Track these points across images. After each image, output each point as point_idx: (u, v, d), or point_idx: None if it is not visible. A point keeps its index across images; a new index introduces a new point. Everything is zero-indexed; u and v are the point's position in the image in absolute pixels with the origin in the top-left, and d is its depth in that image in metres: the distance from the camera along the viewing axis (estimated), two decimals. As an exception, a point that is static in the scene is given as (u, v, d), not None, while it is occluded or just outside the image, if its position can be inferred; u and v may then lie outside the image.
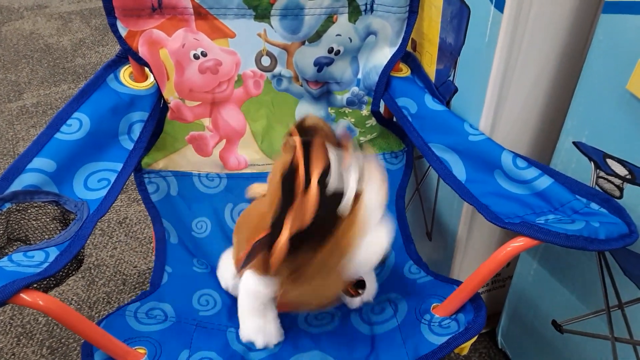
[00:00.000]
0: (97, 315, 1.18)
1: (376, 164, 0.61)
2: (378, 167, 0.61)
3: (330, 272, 0.61)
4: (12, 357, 1.10)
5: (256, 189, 0.81)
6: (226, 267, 0.82)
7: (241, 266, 0.62)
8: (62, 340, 1.13)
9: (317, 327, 0.77)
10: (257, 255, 0.59)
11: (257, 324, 0.73)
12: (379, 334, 0.73)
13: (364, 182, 0.58)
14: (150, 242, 1.35)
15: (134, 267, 1.28)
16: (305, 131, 0.59)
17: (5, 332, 1.15)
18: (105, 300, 1.21)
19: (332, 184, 0.56)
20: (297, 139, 0.57)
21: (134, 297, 0.79)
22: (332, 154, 0.57)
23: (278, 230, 0.55)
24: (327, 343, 0.73)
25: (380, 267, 0.84)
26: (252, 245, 0.59)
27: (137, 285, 1.25)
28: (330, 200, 0.55)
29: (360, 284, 0.77)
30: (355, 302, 0.78)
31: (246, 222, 0.78)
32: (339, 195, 0.56)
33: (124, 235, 1.37)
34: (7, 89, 1.92)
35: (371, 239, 0.60)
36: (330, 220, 0.56)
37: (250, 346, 0.73)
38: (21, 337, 1.14)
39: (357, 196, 0.57)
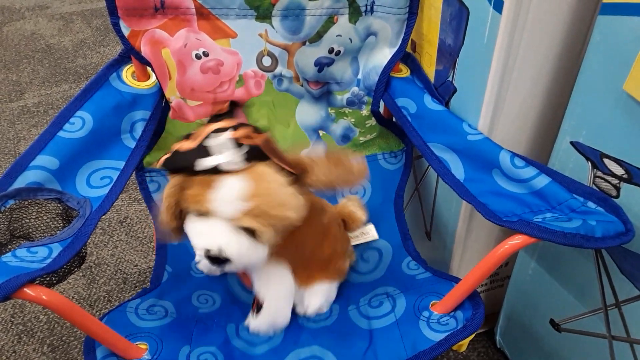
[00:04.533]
0: (97, 313, 1.18)
1: (271, 174, 0.62)
2: (272, 179, 0.62)
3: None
4: (13, 354, 1.11)
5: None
6: None
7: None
8: (63, 338, 1.14)
9: (316, 322, 0.77)
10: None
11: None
12: (377, 328, 0.74)
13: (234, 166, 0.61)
14: (151, 242, 1.35)
15: (135, 266, 1.29)
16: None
17: (7, 330, 1.15)
18: (106, 298, 1.22)
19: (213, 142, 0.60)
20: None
21: (134, 295, 0.80)
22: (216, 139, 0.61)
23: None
24: (326, 338, 0.74)
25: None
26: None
27: (137, 284, 1.25)
28: (201, 150, 0.60)
29: (258, 305, 0.75)
30: (248, 319, 0.76)
31: None
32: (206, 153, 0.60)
33: (124, 235, 1.37)
34: (8, 89, 1.93)
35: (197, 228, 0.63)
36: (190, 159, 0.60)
37: (251, 341, 0.73)
38: (22, 335, 1.15)
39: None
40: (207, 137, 0.60)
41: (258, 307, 0.74)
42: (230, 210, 0.59)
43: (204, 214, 0.61)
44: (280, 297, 0.75)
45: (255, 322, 0.75)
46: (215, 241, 0.60)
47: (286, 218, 0.61)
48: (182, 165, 0.61)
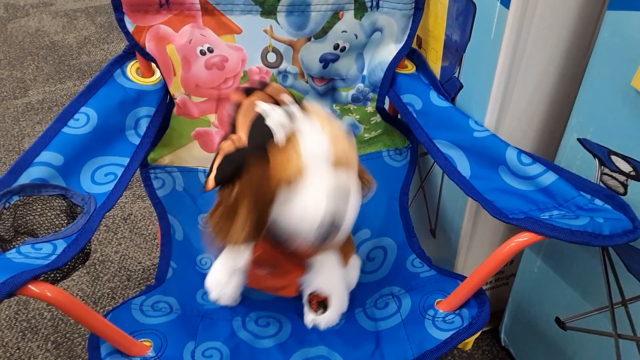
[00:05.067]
0: (101, 310, 1.18)
1: (326, 113, 0.61)
2: (327, 114, 0.61)
3: (264, 206, 0.59)
4: (17, 351, 1.11)
5: None
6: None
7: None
8: (67, 335, 1.14)
9: None
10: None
11: (220, 279, 0.73)
12: (384, 329, 0.74)
13: (302, 123, 0.58)
14: (155, 239, 1.35)
15: (139, 263, 1.29)
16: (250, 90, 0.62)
17: (11, 327, 1.16)
18: (110, 295, 1.22)
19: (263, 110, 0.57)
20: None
21: (138, 292, 0.80)
22: (261, 107, 0.58)
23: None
24: (333, 339, 0.73)
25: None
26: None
27: (141, 281, 1.25)
28: (256, 133, 0.57)
29: (323, 305, 0.74)
30: (308, 318, 0.74)
31: None
32: (267, 131, 0.56)
33: (128, 232, 1.37)
34: (12, 86, 1.93)
35: (308, 197, 0.57)
36: (259, 147, 0.57)
37: (257, 334, 0.73)
38: (26, 332, 1.15)
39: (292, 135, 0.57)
40: (254, 118, 0.58)
41: (322, 304, 0.72)
42: (324, 162, 0.56)
43: (294, 181, 0.56)
44: (343, 285, 0.74)
45: (327, 318, 0.73)
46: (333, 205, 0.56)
47: (355, 161, 0.60)
48: (251, 154, 0.56)
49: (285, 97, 0.62)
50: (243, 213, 0.59)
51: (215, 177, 0.59)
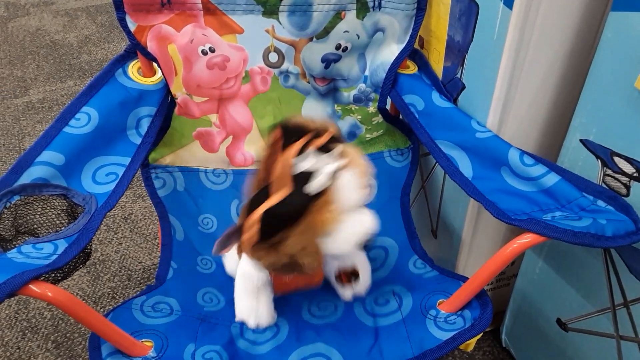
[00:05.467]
0: (102, 310, 1.18)
1: (358, 153, 0.63)
2: (360, 155, 0.63)
3: (307, 250, 0.61)
4: (17, 350, 1.11)
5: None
6: (231, 255, 0.83)
7: (216, 249, 0.64)
8: (67, 334, 1.14)
9: (320, 318, 0.77)
10: (232, 238, 0.63)
11: (249, 305, 0.75)
12: (383, 326, 0.74)
13: (342, 165, 0.60)
14: (155, 238, 1.35)
15: (139, 263, 1.29)
16: (289, 130, 0.62)
17: (11, 327, 1.15)
18: (110, 295, 1.21)
19: (303, 166, 0.59)
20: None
21: (138, 292, 0.80)
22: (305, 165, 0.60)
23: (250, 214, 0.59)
24: (331, 335, 0.73)
25: (368, 250, 0.85)
26: (227, 231, 0.62)
27: (142, 281, 1.25)
28: (300, 180, 0.58)
29: (354, 274, 0.77)
30: (346, 292, 0.78)
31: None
32: (308, 175, 0.58)
33: (129, 231, 1.37)
34: (13, 85, 1.93)
35: (352, 218, 0.62)
36: (300, 198, 0.58)
37: (255, 341, 0.73)
38: (26, 331, 1.15)
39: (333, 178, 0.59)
40: (297, 169, 0.59)
41: (354, 274, 0.75)
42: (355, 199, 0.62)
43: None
44: (359, 250, 0.76)
45: (364, 283, 0.77)
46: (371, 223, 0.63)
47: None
48: (293, 210, 0.58)
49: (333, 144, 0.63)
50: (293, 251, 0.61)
51: (261, 231, 0.59)
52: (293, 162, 0.59)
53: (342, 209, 0.60)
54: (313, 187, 0.58)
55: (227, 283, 0.84)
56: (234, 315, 0.78)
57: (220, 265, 0.86)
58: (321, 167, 0.59)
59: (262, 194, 0.60)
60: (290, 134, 0.61)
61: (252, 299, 0.75)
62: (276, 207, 0.58)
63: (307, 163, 0.59)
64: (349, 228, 0.62)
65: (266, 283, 0.74)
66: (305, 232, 0.59)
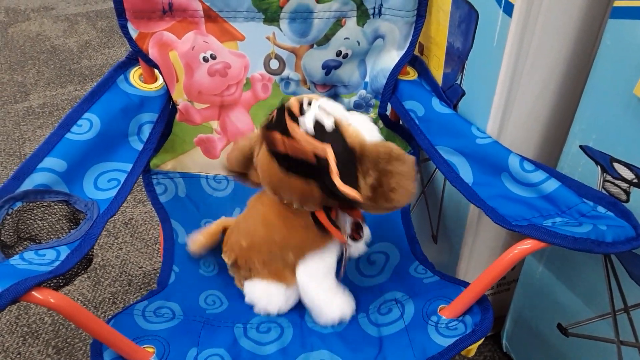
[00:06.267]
0: (102, 315, 1.18)
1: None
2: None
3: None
4: (18, 356, 1.11)
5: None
6: (254, 283, 0.82)
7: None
8: (68, 340, 1.14)
9: (325, 326, 0.77)
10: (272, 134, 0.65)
11: (342, 300, 0.78)
12: (386, 335, 0.74)
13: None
14: (156, 243, 1.35)
15: (140, 268, 1.29)
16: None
17: (11, 332, 1.15)
18: (111, 300, 1.21)
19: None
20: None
21: (139, 298, 0.80)
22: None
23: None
24: (335, 343, 0.73)
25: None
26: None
27: (142, 286, 1.25)
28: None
29: (359, 226, 0.77)
30: (359, 246, 0.80)
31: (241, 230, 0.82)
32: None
33: (129, 236, 1.37)
34: (13, 90, 1.93)
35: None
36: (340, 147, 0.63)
37: (259, 341, 0.73)
38: (27, 337, 1.15)
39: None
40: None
41: (358, 226, 0.76)
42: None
43: None
44: None
45: (366, 233, 0.79)
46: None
47: None
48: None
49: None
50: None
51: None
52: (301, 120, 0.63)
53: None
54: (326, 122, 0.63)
55: (229, 284, 0.85)
56: (237, 316, 0.78)
57: (223, 267, 0.86)
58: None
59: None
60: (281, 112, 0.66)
61: (339, 294, 0.78)
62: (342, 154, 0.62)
63: (310, 115, 0.63)
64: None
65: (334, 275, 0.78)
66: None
